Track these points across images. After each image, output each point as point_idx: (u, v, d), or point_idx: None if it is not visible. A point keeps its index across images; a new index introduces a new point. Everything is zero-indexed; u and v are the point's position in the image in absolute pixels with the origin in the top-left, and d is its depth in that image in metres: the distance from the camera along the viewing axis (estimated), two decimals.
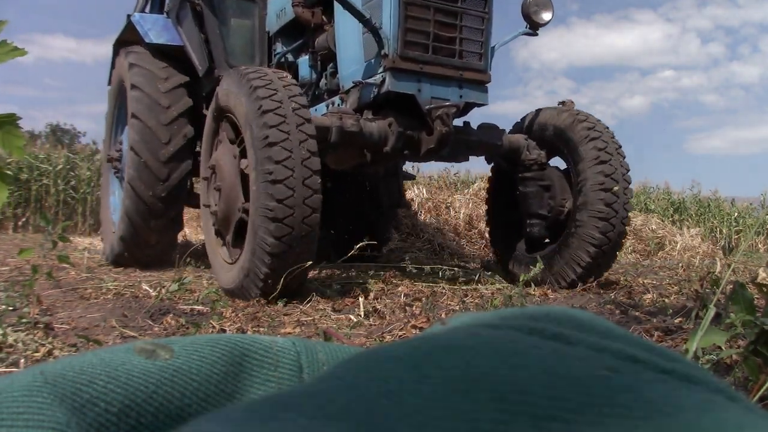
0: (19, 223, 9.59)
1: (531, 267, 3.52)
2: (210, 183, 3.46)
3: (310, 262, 2.98)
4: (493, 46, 3.65)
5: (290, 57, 4.27)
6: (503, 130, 3.81)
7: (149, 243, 4.43)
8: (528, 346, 0.26)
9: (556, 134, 3.74)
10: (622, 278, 4.10)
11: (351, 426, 0.23)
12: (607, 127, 3.68)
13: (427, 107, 3.32)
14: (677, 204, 11.58)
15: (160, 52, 4.51)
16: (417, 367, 0.25)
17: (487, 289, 3.47)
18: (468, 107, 3.58)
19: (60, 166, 10.15)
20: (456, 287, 3.41)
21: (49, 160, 10.29)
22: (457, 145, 3.58)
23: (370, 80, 3.38)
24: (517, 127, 3.99)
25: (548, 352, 0.25)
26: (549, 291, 3.47)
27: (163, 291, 2.97)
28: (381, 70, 3.32)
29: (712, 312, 1.17)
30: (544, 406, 0.22)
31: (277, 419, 0.24)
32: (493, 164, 4.18)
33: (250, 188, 3.00)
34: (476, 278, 3.68)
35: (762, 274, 3.76)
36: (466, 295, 3.25)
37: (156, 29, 4.55)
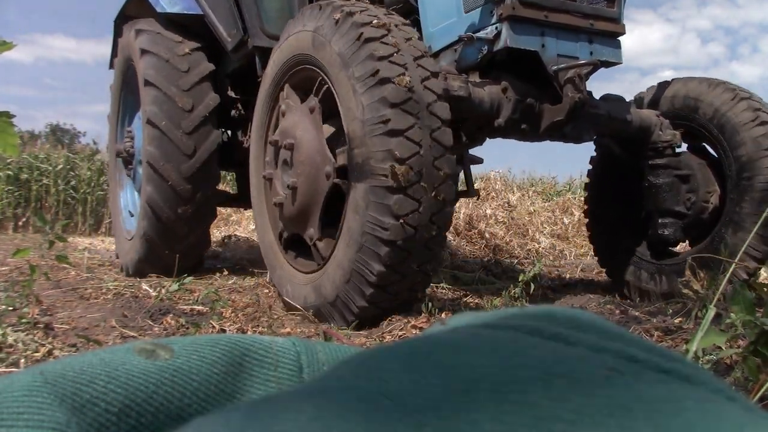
0: (19, 223, 9.59)
1: (658, 277, 3.05)
2: (275, 163, 2.78)
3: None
4: None
5: None
6: (630, 103, 3.10)
7: (179, 235, 3.66)
8: (528, 346, 0.26)
9: (701, 112, 3.00)
10: None
11: (351, 426, 0.23)
12: None
13: (554, 68, 2.62)
14: None
15: (173, 24, 3.81)
16: (417, 367, 0.25)
17: (486, 289, 3.47)
18: (602, 66, 2.83)
19: (60, 166, 10.14)
20: (456, 287, 3.41)
21: (49, 160, 10.28)
22: (585, 119, 2.82)
23: (482, 34, 2.65)
24: (639, 103, 3.28)
25: (548, 352, 0.25)
26: (549, 291, 3.47)
27: (163, 291, 2.97)
28: (494, 20, 2.62)
29: (712, 312, 1.17)
30: (545, 407, 0.22)
31: (277, 419, 0.24)
32: (598, 149, 3.46)
33: (359, 149, 2.24)
34: (476, 279, 3.67)
35: (763, 274, 3.76)
36: (466, 295, 3.25)
37: None
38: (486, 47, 2.67)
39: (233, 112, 3.97)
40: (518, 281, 2.89)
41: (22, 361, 1.73)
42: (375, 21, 2.31)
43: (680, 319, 2.38)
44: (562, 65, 2.62)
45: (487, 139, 3.28)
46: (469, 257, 5.63)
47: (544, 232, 7.03)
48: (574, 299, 3.21)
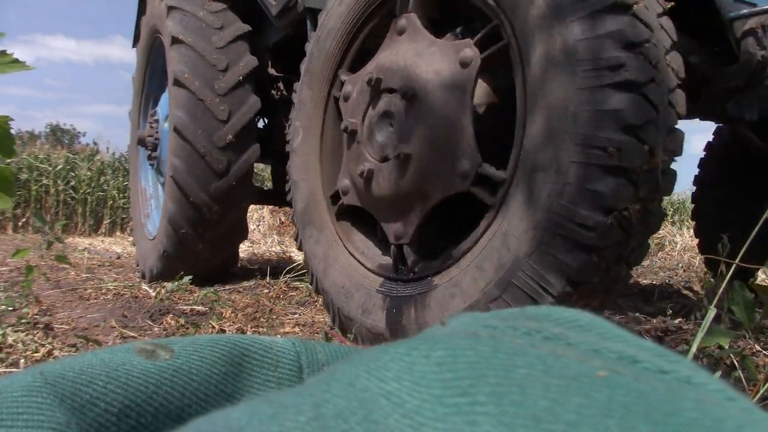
0: (19, 223, 9.59)
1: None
2: (363, 124, 1.94)
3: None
4: None
5: None
6: None
7: (201, 258, 3.23)
8: (527, 347, 0.26)
9: None
10: None
11: (350, 426, 0.23)
12: None
13: (732, 14, 1.93)
14: (677, 204, 11.58)
15: None
16: (416, 367, 0.25)
17: None
18: None
19: (60, 167, 10.15)
20: None
21: (49, 161, 10.29)
22: (755, 92, 2.13)
23: None
24: None
25: (548, 353, 0.25)
26: None
27: (163, 291, 2.97)
28: None
29: (712, 312, 1.17)
30: (544, 407, 0.22)
31: (276, 419, 0.24)
32: (718, 138, 2.86)
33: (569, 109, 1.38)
34: None
35: (761, 275, 3.77)
36: None
37: None
38: None
39: (273, 92, 3.47)
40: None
41: (22, 361, 1.73)
42: None
43: (680, 319, 2.38)
44: (744, 11, 1.93)
45: None
46: None
47: None
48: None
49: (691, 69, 1.89)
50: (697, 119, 2.36)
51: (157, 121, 3.67)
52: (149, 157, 3.79)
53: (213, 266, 3.32)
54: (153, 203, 4.01)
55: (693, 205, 3.29)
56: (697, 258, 6.12)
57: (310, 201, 2.23)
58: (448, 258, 1.72)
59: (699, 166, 3.20)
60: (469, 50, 1.69)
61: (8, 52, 1.07)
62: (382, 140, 1.87)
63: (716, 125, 2.68)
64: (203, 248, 3.20)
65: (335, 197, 2.15)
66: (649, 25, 1.43)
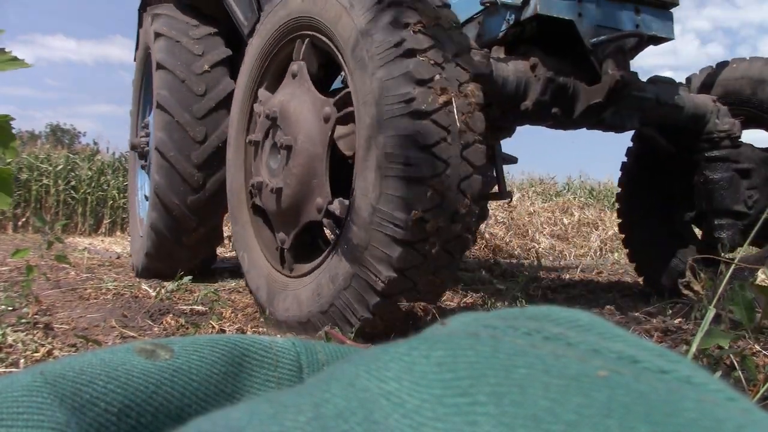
0: (19, 223, 9.59)
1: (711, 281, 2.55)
2: (263, 143, 2.33)
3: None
4: None
5: None
6: (682, 86, 2.67)
7: (180, 260, 3.53)
8: (527, 347, 0.26)
9: (756, 93, 2.65)
10: (622, 279, 4.10)
11: (350, 426, 0.23)
12: None
13: (593, 40, 2.22)
14: None
15: (191, 8, 3.67)
16: (416, 367, 0.25)
17: (486, 289, 3.47)
18: (641, 45, 2.43)
19: (60, 167, 10.15)
20: (456, 288, 3.41)
21: (49, 161, 10.29)
22: (628, 104, 2.40)
23: (508, 0, 2.28)
24: (693, 84, 2.89)
25: (548, 353, 0.25)
26: (549, 291, 3.47)
27: (163, 291, 2.97)
28: None
29: (712, 313, 1.17)
30: (544, 407, 0.22)
31: (276, 419, 0.24)
32: (637, 141, 3.08)
33: (357, 170, 1.85)
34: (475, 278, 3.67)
35: (761, 276, 3.76)
36: (466, 296, 3.25)
37: None
38: (512, 16, 2.29)
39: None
40: (518, 282, 2.89)
41: (22, 361, 1.73)
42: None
43: (680, 319, 2.38)
44: (602, 37, 2.22)
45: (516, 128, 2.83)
46: (469, 257, 5.64)
47: (544, 232, 7.03)
48: (574, 299, 3.21)
49: (561, 87, 2.31)
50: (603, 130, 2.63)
51: (147, 130, 3.91)
52: (143, 164, 4.11)
53: (193, 266, 3.59)
54: (147, 203, 4.20)
55: (618, 210, 3.39)
56: None
57: (236, 203, 2.65)
58: (308, 267, 2.16)
59: (621, 170, 3.28)
60: (329, 108, 2.07)
61: (7, 50, 1.08)
62: (272, 165, 2.29)
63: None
64: (182, 251, 3.53)
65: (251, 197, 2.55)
66: (439, 64, 1.79)
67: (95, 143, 11.67)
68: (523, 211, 7.40)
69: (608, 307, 2.87)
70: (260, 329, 2.41)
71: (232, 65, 3.46)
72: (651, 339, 2.11)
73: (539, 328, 0.27)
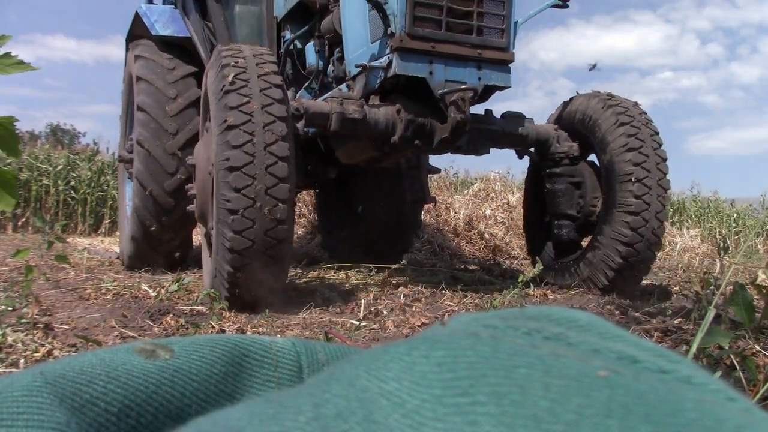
0: (19, 223, 9.58)
1: (561, 274, 3.47)
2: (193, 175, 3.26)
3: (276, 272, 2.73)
4: (517, 21, 3.21)
5: (298, 44, 3.90)
6: (530, 120, 3.47)
7: (162, 241, 4.17)
8: (528, 347, 0.26)
9: (585, 122, 3.40)
10: None
11: (350, 426, 0.23)
12: (644, 112, 3.33)
13: (441, 92, 2.95)
14: (677, 205, 11.58)
15: (167, 44, 4.36)
16: (416, 367, 0.25)
17: (486, 289, 3.47)
18: (488, 91, 3.18)
19: (60, 167, 10.13)
20: (456, 288, 3.41)
21: (49, 161, 10.27)
22: (477, 135, 3.26)
23: (376, 63, 3.02)
24: (550, 120, 3.67)
25: (548, 353, 0.25)
26: (549, 291, 3.47)
27: (163, 291, 2.97)
28: (388, 51, 2.98)
29: (712, 313, 1.17)
30: (544, 407, 0.22)
31: (276, 419, 0.24)
32: (529, 160, 3.77)
33: (214, 181, 2.72)
34: (475, 278, 3.67)
35: (761, 275, 3.76)
36: (466, 296, 3.25)
37: (162, 20, 4.40)
38: (382, 74, 3.04)
39: None
40: (518, 282, 2.89)
41: (22, 361, 1.73)
42: (241, 74, 2.72)
43: (680, 319, 2.37)
44: (447, 89, 2.96)
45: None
46: (468, 258, 5.63)
47: None
48: (574, 299, 3.21)
49: (420, 126, 3.10)
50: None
51: (132, 143, 4.59)
52: (128, 173, 4.78)
53: (172, 247, 4.28)
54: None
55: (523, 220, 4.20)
56: (697, 258, 6.13)
57: (202, 205, 3.25)
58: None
59: (525, 182, 4.13)
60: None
61: (12, 53, 1.08)
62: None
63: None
64: (162, 232, 4.14)
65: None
66: (251, 119, 2.61)
67: (95, 143, 11.62)
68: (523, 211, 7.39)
69: (608, 307, 2.87)
70: (260, 329, 2.41)
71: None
72: (651, 339, 2.11)
73: (539, 328, 0.27)
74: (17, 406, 0.29)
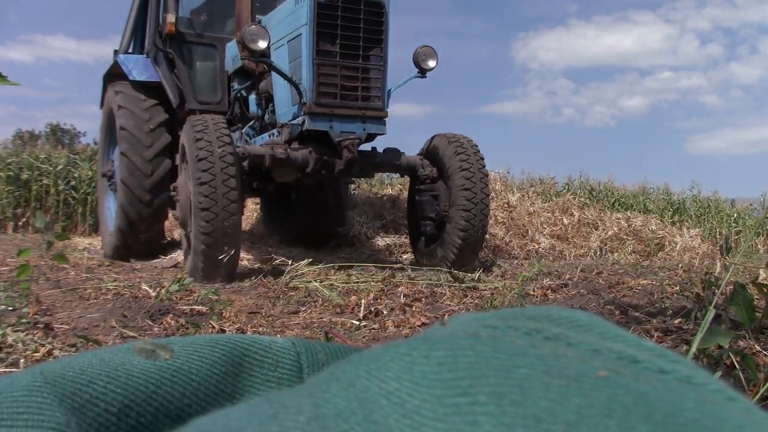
0: (19, 223, 9.58)
1: (429, 256, 4.97)
2: (176, 195, 4.72)
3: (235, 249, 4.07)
4: (389, 89, 4.63)
5: (244, 93, 5.38)
6: (402, 153, 4.98)
7: (141, 230, 5.40)
8: (527, 347, 0.26)
9: (438, 154, 4.89)
10: (622, 279, 4.09)
11: (350, 426, 0.23)
12: (475, 145, 4.85)
13: (338, 140, 4.36)
14: (677, 205, 11.59)
15: (141, 85, 5.59)
16: (416, 367, 0.25)
17: (486, 289, 3.47)
18: (371, 137, 4.61)
19: (60, 166, 10.13)
20: (456, 287, 3.41)
21: (50, 160, 10.27)
22: (366, 165, 4.78)
23: (295, 121, 4.49)
24: (421, 150, 5.20)
25: (548, 353, 0.25)
26: (549, 291, 3.47)
27: (163, 291, 2.97)
28: (302, 113, 4.36)
29: (711, 313, 1.17)
30: (544, 407, 0.22)
31: (276, 419, 0.24)
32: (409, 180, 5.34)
33: (192, 193, 4.08)
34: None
35: (762, 274, 3.76)
36: (466, 296, 3.25)
37: (138, 68, 5.66)
38: (299, 128, 4.46)
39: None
40: (518, 281, 2.89)
41: (22, 361, 1.73)
42: (208, 147, 4.07)
43: (680, 319, 2.38)
44: (342, 138, 4.39)
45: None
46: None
47: (544, 232, 7.03)
48: (574, 299, 3.21)
49: (325, 161, 4.53)
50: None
51: (113, 162, 5.99)
52: (110, 185, 6.14)
53: (149, 236, 5.51)
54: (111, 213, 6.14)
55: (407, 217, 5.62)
56: (697, 258, 6.13)
57: (183, 216, 4.58)
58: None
59: (408, 195, 5.56)
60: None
61: (7, 53, 1.08)
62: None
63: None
64: (142, 222, 5.35)
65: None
66: (213, 166, 4.07)
67: (95, 143, 11.62)
68: (523, 211, 7.39)
69: (608, 307, 2.87)
70: (260, 329, 2.41)
71: (169, 126, 5.54)
72: (651, 339, 2.11)
73: (539, 328, 0.27)
74: (17, 406, 0.29)
